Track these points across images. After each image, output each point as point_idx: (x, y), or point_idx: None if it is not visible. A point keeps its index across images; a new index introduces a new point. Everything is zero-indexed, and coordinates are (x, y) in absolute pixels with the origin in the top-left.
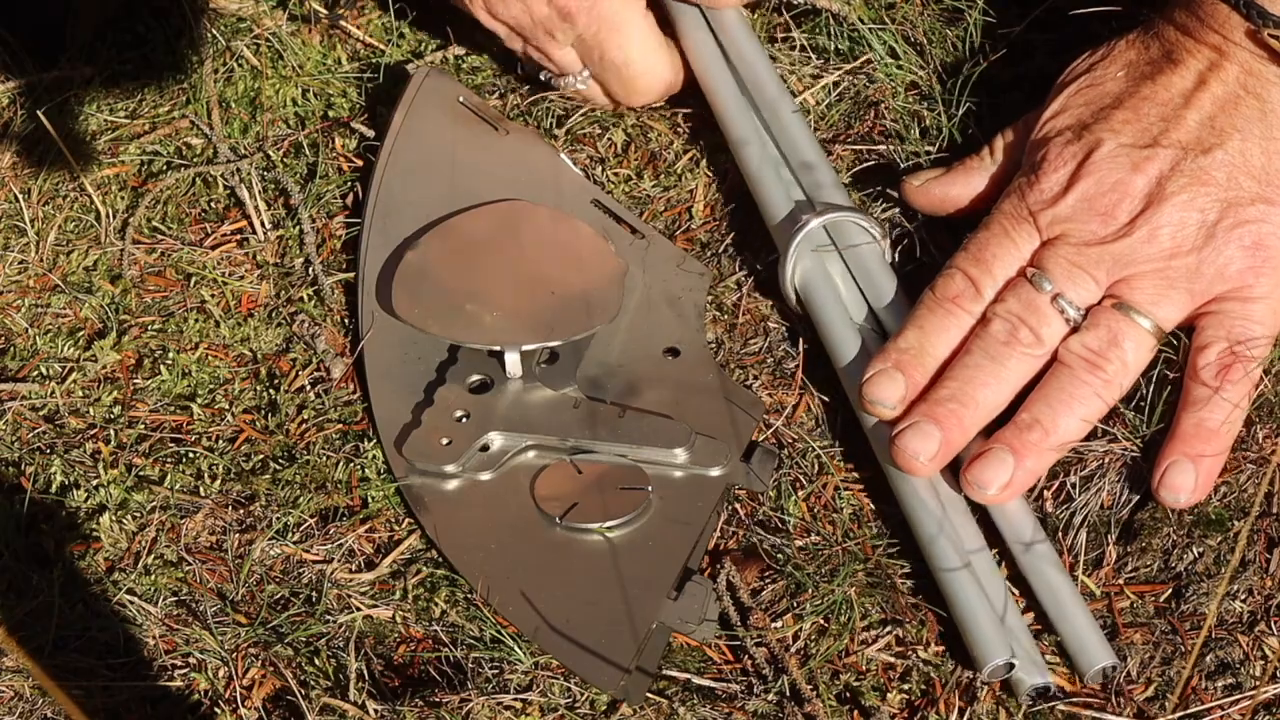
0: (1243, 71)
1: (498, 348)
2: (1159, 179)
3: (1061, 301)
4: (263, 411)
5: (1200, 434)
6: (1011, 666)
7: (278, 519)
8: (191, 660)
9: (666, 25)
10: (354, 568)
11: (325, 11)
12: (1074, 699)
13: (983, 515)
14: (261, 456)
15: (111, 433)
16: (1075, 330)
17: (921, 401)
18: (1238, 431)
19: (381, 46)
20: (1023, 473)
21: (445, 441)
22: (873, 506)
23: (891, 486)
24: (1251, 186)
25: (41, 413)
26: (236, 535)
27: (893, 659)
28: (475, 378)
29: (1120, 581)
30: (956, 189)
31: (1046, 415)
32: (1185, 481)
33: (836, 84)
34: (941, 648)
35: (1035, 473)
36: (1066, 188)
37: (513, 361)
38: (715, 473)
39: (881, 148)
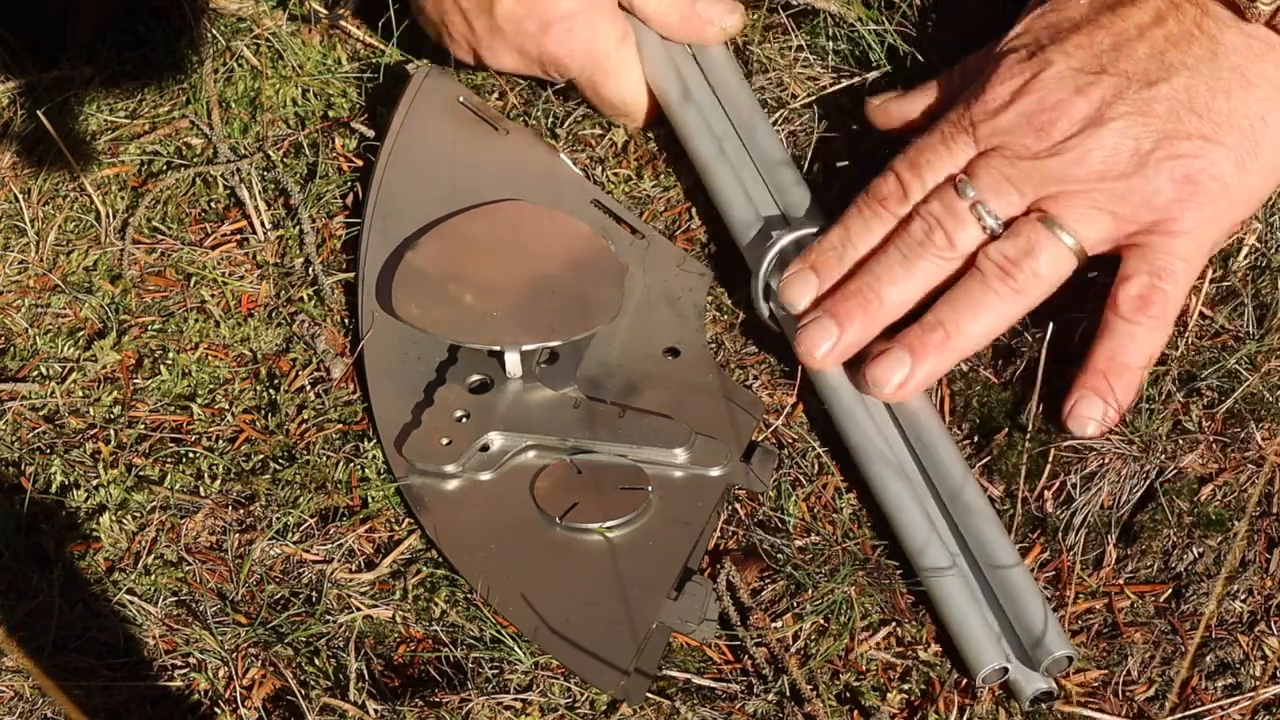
0: (1199, 12)
1: (498, 348)
2: (1101, 104)
3: (981, 209)
4: (263, 411)
5: (1113, 368)
6: (1005, 671)
7: (278, 519)
8: (191, 660)
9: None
10: (354, 568)
11: (325, 11)
12: (1074, 698)
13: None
14: (261, 456)
15: (111, 433)
16: (994, 240)
17: (828, 297)
18: (1153, 366)
19: (381, 46)
20: (921, 373)
21: (445, 441)
22: (872, 506)
23: (875, 493)
24: (1193, 122)
25: (41, 413)
26: (236, 535)
27: (893, 659)
28: (475, 378)
29: (1120, 581)
30: (915, 107)
31: (950, 318)
32: (1093, 413)
33: (835, 85)
34: (941, 647)
35: (933, 374)
36: (1009, 102)
37: (513, 362)
38: (715, 473)
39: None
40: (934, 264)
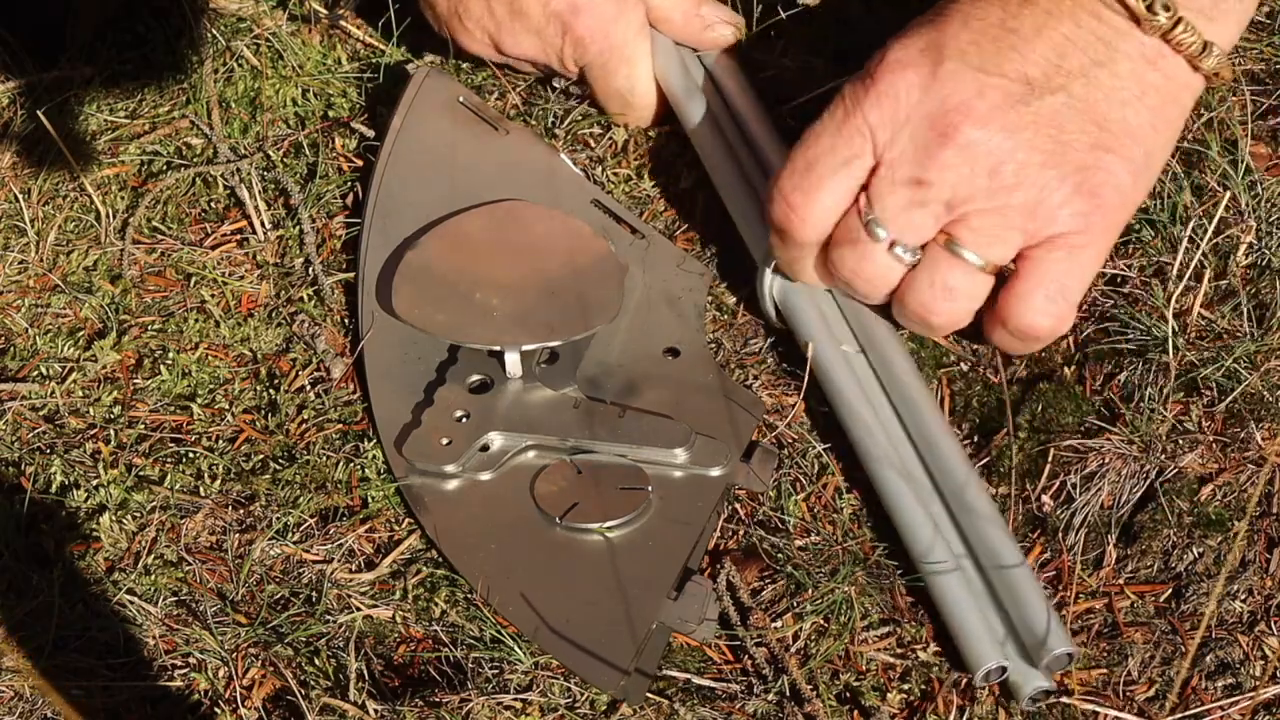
0: (1095, 19)
1: (498, 348)
2: (1002, 110)
3: (897, 249)
4: (263, 411)
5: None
6: (1004, 670)
7: (278, 519)
8: (191, 660)
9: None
10: (354, 568)
11: (325, 11)
12: (1073, 696)
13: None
14: (261, 456)
15: (111, 433)
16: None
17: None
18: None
19: (381, 46)
20: None
21: (445, 441)
22: (873, 506)
23: (878, 493)
24: (1093, 132)
25: (41, 413)
26: (236, 535)
27: (893, 659)
28: (475, 378)
29: (1120, 581)
30: None
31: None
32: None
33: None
34: (941, 647)
35: None
36: (908, 111)
37: (513, 362)
38: (715, 473)
39: None
40: (868, 287)
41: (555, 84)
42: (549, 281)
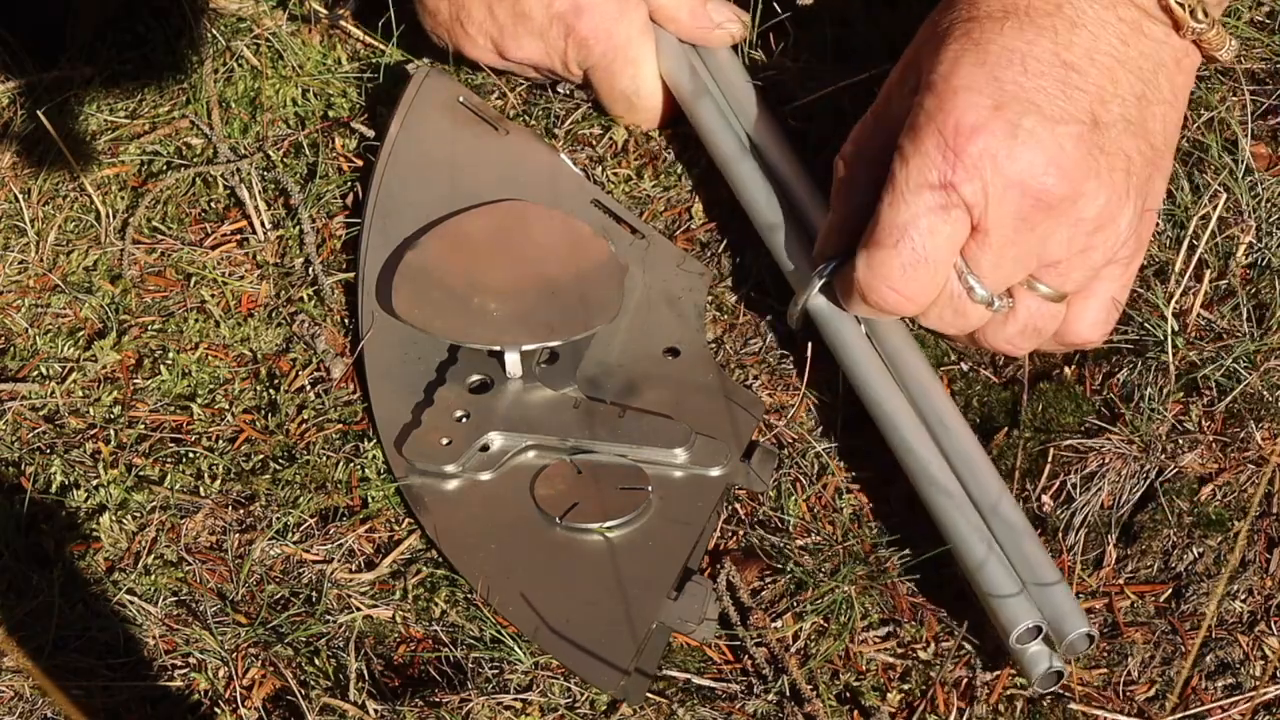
0: (1135, 32)
1: (498, 348)
2: (1089, 171)
3: (994, 302)
4: (263, 411)
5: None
6: (1039, 631)
7: (278, 519)
8: (191, 660)
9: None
10: (354, 568)
11: (325, 11)
12: (1076, 694)
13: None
14: (261, 456)
15: (111, 433)
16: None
17: None
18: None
19: (382, 46)
20: None
21: (445, 441)
22: (873, 506)
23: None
24: (1148, 153)
25: (41, 413)
26: (236, 535)
27: (893, 659)
28: (475, 378)
29: (1120, 581)
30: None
31: None
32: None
33: (835, 85)
34: (941, 647)
35: None
36: (992, 170)
37: (513, 361)
38: (715, 473)
39: None
40: (954, 331)
41: (560, 89)
42: (549, 281)
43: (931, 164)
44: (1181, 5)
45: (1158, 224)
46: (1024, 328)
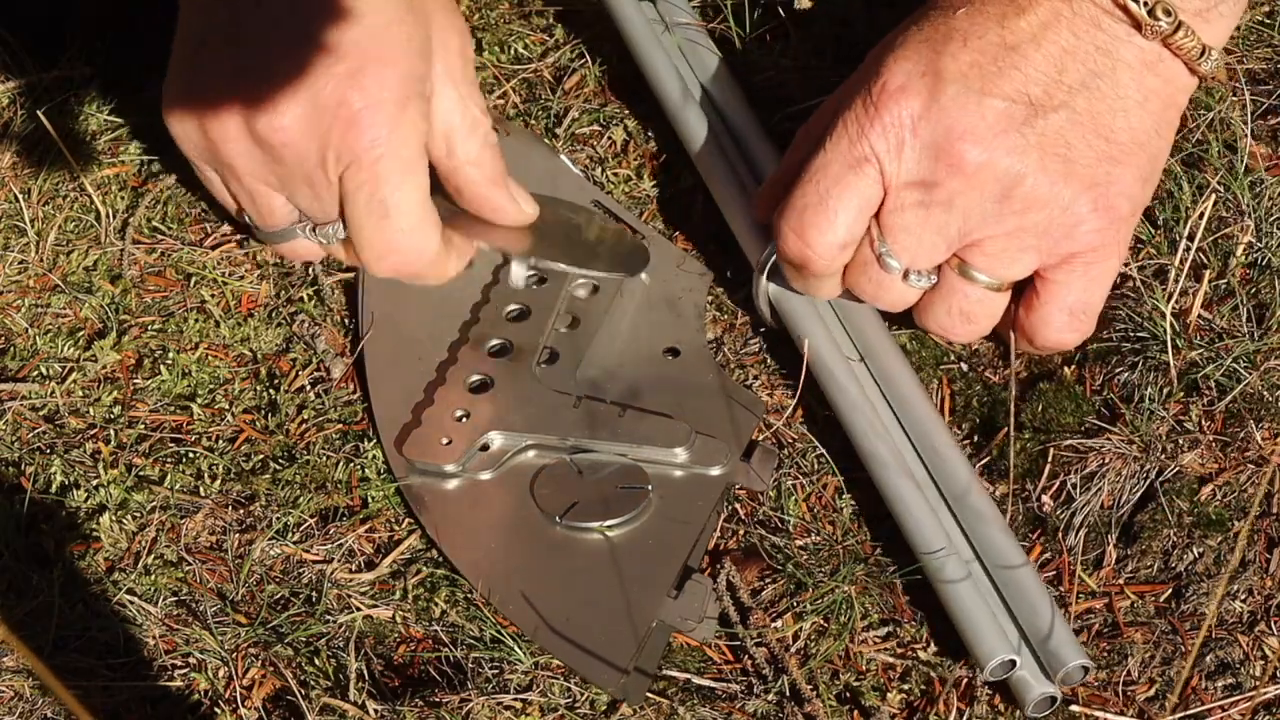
0: (1093, 26)
1: (508, 252)
2: (1008, 132)
3: (912, 277)
4: (263, 411)
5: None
6: (1014, 664)
7: (278, 519)
8: (191, 660)
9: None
10: (354, 568)
11: None
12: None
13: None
14: (261, 456)
15: (111, 433)
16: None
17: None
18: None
19: None
20: None
21: (445, 441)
22: (873, 506)
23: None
24: (1100, 146)
25: (41, 413)
26: (236, 535)
27: (893, 659)
28: (475, 378)
29: (1120, 581)
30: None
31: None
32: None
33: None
34: (941, 647)
35: None
36: (911, 129)
37: (517, 274)
38: (715, 472)
39: None
40: (889, 307)
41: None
42: (571, 222)
43: (854, 118)
44: (1139, 2)
45: (1157, 224)
46: (953, 310)
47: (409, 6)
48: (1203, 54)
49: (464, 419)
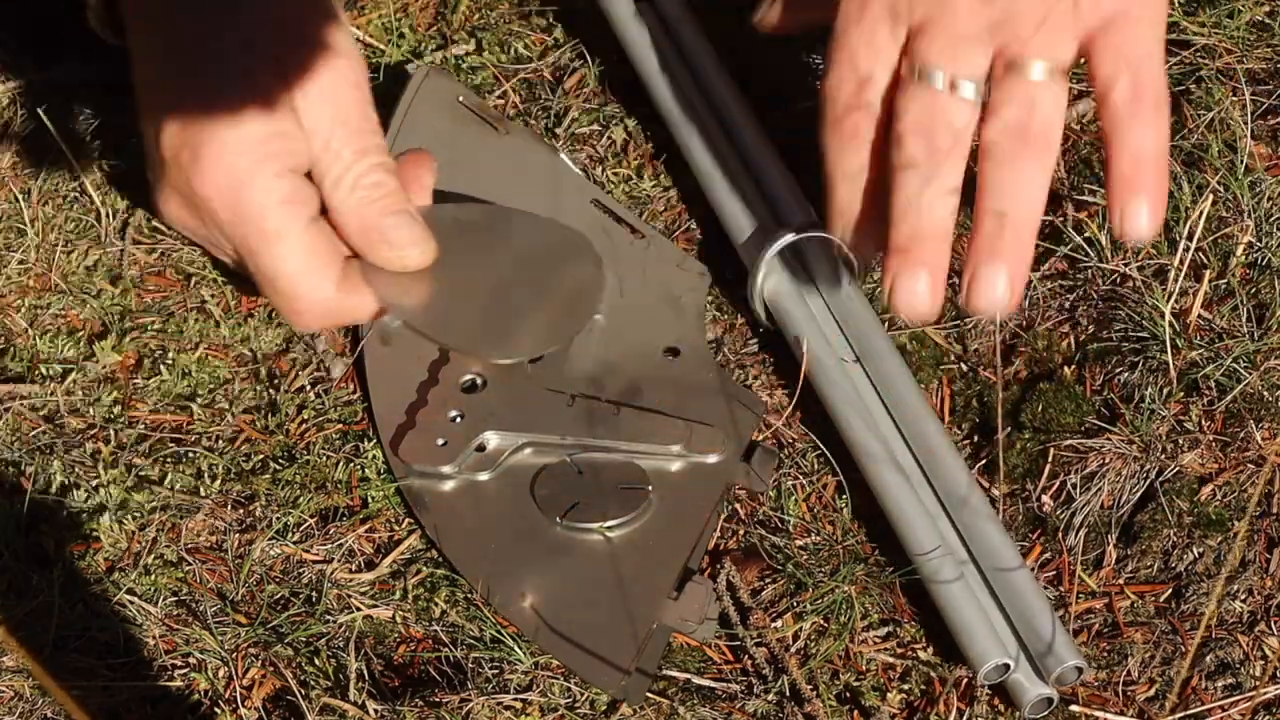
0: None
1: (476, 359)
2: None
3: (959, 91)
4: (263, 411)
5: (1140, 166)
6: (1008, 668)
7: (278, 519)
8: (191, 660)
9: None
10: (354, 568)
11: None
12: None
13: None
14: (261, 456)
15: (111, 433)
16: (985, 105)
17: (890, 253)
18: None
19: (381, 46)
20: (1018, 275)
21: (440, 442)
22: (872, 506)
23: (877, 494)
24: None
25: (41, 413)
26: (236, 535)
27: (893, 659)
28: (467, 377)
29: (1120, 581)
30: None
31: (1010, 208)
32: (1141, 213)
33: None
34: (941, 647)
35: (1026, 267)
36: None
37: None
38: (713, 459)
39: None
40: (954, 165)
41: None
42: (523, 295)
43: None
44: None
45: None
46: (1017, 105)
47: (267, 53)
48: None
49: (458, 419)
